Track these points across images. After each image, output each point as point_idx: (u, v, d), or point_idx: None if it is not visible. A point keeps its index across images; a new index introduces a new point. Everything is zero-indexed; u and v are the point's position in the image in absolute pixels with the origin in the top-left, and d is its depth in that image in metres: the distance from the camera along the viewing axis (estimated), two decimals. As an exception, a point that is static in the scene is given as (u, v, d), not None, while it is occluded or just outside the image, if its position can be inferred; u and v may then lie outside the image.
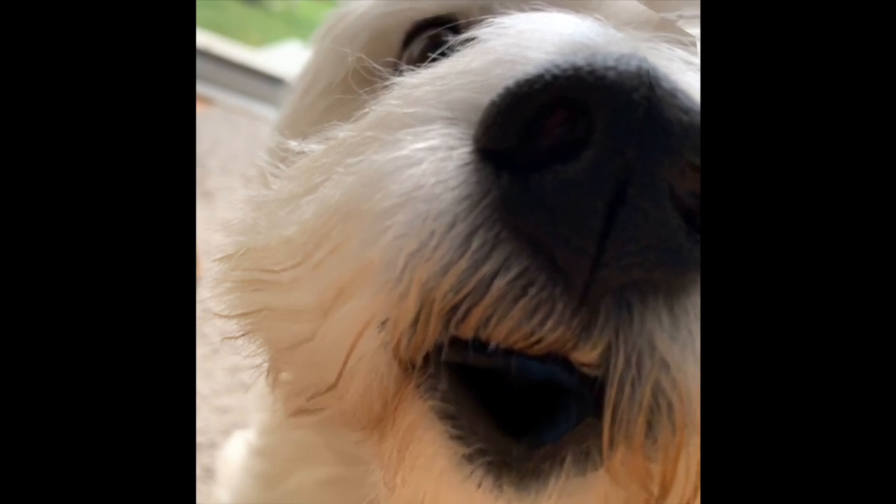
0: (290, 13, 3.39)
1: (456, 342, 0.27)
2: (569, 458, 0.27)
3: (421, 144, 0.27)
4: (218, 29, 2.41)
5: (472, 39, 0.29)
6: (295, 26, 3.15)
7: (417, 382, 0.28)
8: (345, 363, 0.28)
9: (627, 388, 0.25)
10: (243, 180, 1.60)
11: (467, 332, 0.26)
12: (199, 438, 1.00)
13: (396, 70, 0.34)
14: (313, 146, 0.33)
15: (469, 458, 0.27)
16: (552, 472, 0.27)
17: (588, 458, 0.27)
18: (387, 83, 0.31)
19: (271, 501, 0.56)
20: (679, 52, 0.28)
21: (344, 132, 0.31)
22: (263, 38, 2.78)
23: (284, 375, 0.33)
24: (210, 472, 0.93)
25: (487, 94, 0.26)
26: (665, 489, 0.27)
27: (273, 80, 2.08)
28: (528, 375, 0.26)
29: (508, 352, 0.26)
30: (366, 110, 0.31)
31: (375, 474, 0.34)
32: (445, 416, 0.27)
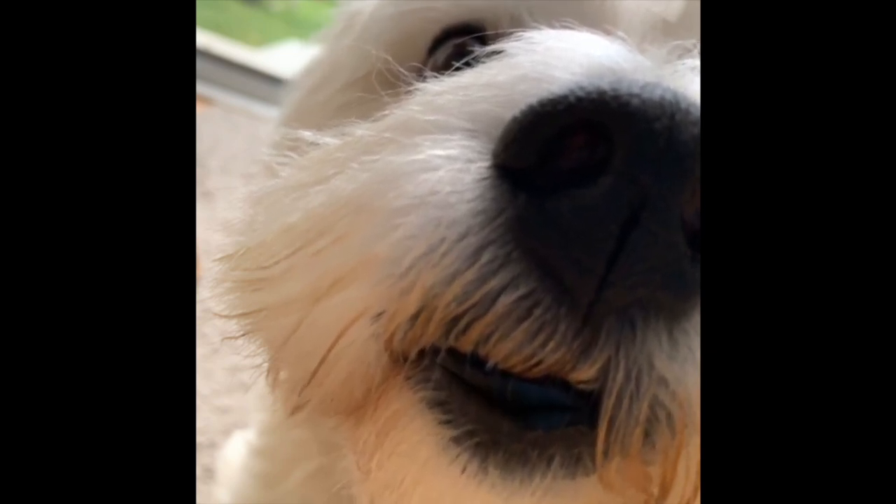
0: (290, 13, 3.39)
1: (453, 353, 0.27)
2: (557, 458, 0.27)
3: (439, 152, 0.27)
4: (218, 29, 2.41)
5: (500, 52, 0.29)
6: (295, 26, 3.15)
7: (408, 374, 0.28)
8: (330, 349, 0.28)
9: (626, 402, 0.26)
10: (243, 180, 1.60)
11: (466, 345, 0.26)
12: (199, 438, 1.00)
13: (420, 75, 0.34)
14: (328, 139, 0.32)
15: (456, 441, 0.27)
16: (539, 465, 0.27)
17: (579, 462, 0.27)
18: (410, 88, 0.31)
19: (271, 501, 0.56)
20: (689, 61, 0.28)
21: (362, 130, 0.31)
22: (263, 38, 2.79)
23: (284, 375, 0.33)
24: (210, 472, 0.93)
25: (510, 110, 0.26)
26: (665, 490, 0.28)
27: (273, 80, 2.09)
28: (525, 398, 0.26)
29: (506, 373, 0.26)
30: (386, 112, 0.31)
31: (347, 459, 0.34)
32: (436, 404, 0.27)
